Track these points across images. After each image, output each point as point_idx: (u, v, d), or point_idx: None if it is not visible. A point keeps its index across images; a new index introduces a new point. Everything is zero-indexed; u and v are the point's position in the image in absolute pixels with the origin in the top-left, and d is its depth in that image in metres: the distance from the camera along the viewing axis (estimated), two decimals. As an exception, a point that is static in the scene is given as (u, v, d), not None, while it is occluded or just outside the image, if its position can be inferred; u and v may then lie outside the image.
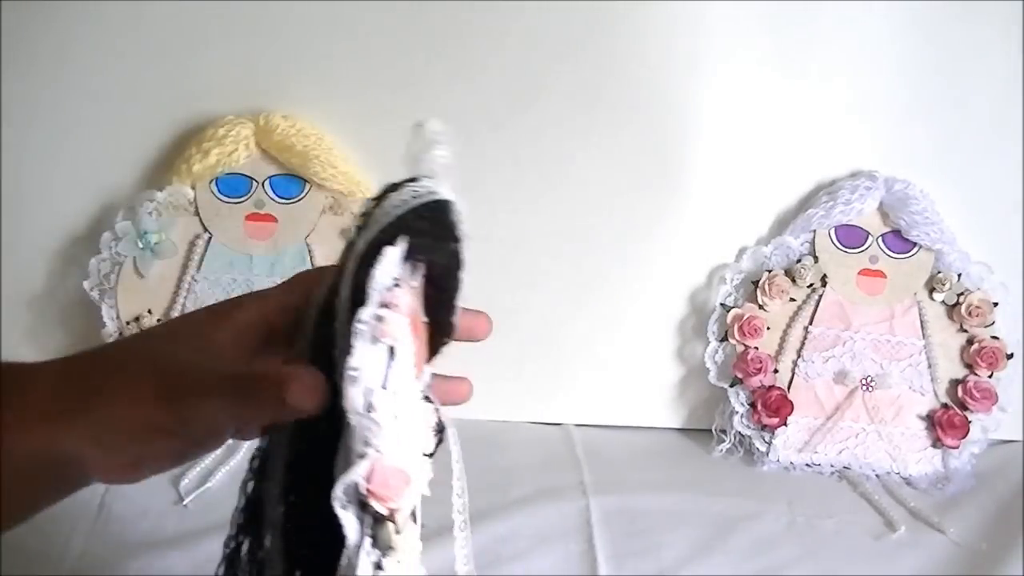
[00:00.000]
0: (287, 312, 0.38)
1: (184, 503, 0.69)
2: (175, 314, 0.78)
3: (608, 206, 0.82)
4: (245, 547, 0.39)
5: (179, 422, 0.35)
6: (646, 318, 0.85)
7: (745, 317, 0.82)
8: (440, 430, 0.38)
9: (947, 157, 0.83)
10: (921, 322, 0.83)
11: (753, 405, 0.81)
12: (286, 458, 0.35)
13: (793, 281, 0.83)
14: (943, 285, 0.82)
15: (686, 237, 0.83)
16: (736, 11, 0.78)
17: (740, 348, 0.82)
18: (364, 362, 0.30)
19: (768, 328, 0.83)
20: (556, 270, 0.83)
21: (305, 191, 0.79)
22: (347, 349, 0.30)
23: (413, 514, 0.31)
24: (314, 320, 0.35)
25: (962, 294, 0.82)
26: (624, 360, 0.86)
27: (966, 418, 0.82)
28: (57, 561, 0.61)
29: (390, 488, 0.28)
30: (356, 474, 0.28)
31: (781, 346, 0.83)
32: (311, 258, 0.80)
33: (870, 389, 0.82)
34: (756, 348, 0.82)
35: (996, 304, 0.82)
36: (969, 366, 0.83)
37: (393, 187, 0.36)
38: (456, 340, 0.39)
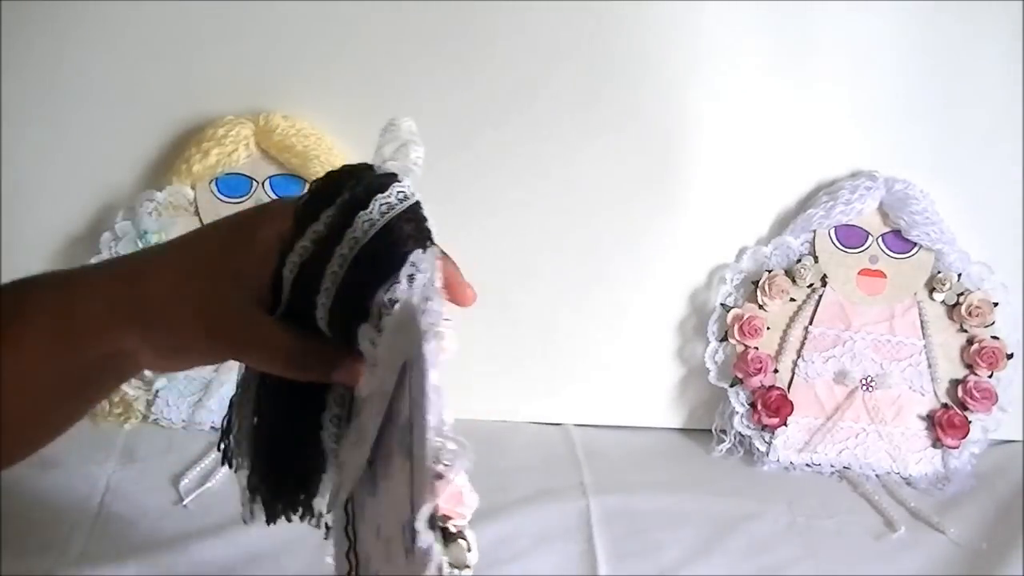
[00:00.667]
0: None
1: (184, 503, 0.69)
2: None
3: (608, 206, 0.82)
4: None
5: (222, 358, 0.43)
6: (646, 318, 0.85)
7: (745, 317, 0.82)
8: None
9: (947, 157, 0.83)
10: (921, 322, 0.83)
11: (753, 405, 0.81)
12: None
13: (793, 281, 0.83)
14: (943, 285, 0.82)
15: (686, 237, 0.83)
16: (736, 12, 0.78)
17: (740, 348, 0.82)
18: (438, 381, 0.30)
19: (768, 328, 0.83)
20: (556, 270, 0.83)
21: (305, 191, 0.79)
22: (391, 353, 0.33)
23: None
24: (290, 286, 0.38)
25: (962, 294, 0.82)
26: (624, 360, 0.86)
27: (966, 418, 0.82)
28: (57, 561, 0.61)
29: (463, 505, 0.29)
30: (435, 494, 0.28)
31: (781, 346, 0.83)
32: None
33: (870, 389, 0.82)
34: (756, 348, 0.82)
35: (996, 304, 0.82)
36: (969, 366, 0.83)
37: (360, 178, 0.38)
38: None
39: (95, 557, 0.62)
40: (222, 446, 0.45)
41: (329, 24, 0.77)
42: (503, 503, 0.71)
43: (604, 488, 0.75)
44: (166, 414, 0.78)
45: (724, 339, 0.83)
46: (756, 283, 0.82)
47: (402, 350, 0.32)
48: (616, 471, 0.79)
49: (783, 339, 0.83)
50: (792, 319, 0.83)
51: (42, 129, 0.77)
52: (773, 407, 0.81)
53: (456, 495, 0.28)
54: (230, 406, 0.45)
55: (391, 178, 0.38)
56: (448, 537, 0.28)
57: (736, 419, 0.82)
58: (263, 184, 0.79)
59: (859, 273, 0.83)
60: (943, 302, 0.83)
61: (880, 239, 0.83)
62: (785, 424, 0.81)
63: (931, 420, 0.82)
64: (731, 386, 0.82)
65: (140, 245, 0.77)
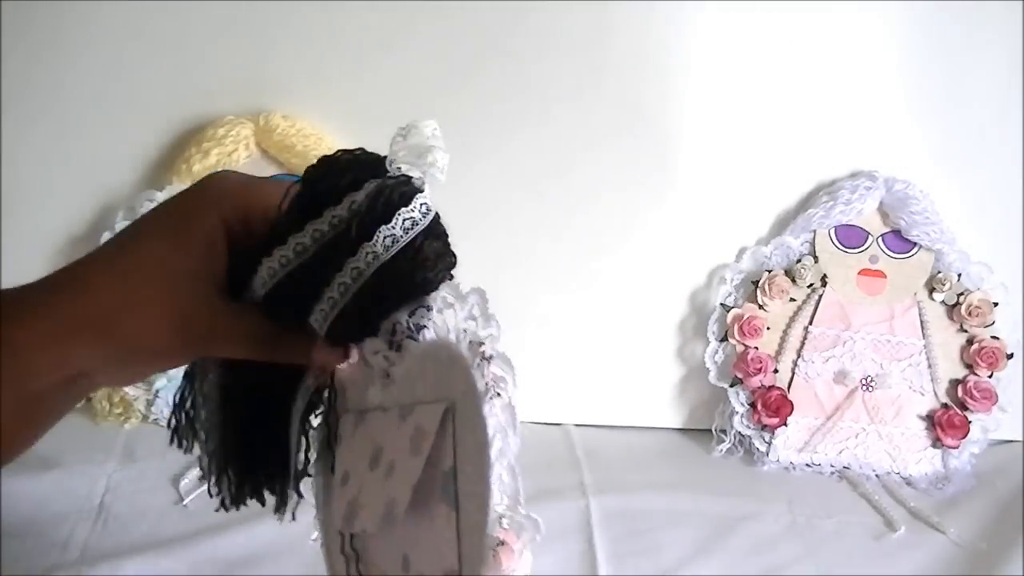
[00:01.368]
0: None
1: (184, 503, 0.69)
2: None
3: (608, 206, 0.82)
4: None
5: (191, 356, 0.40)
6: (646, 318, 0.85)
7: (745, 317, 0.82)
8: None
9: (947, 157, 0.83)
10: (921, 322, 0.83)
11: (753, 405, 0.81)
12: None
13: (793, 281, 0.83)
14: (943, 285, 0.82)
15: (686, 237, 0.83)
16: (736, 12, 0.78)
17: (740, 348, 0.82)
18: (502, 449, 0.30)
19: (768, 328, 0.83)
20: (555, 270, 0.83)
21: (305, 191, 0.79)
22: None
23: None
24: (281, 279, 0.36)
25: (962, 294, 0.82)
26: (624, 360, 0.86)
27: (966, 418, 0.82)
28: (57, 561, 0.61)
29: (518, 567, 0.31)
30: (496, 567, 0.29)
31: (781, 346, 0.83)
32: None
33: (870, 389, 0.82)
34: (756, 348, 0.82)
35: (996, 304, 0.82)
36: (969, 366, 0.83)
37: (368, 173, 0.35)
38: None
39: (95, 557, 0.62)
40: (173, 422, 0.43)
41: (329, 24, 0.77)
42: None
43: (604, 488, 0.75)
44: (166, 414, 0.78)
45: (724, 339, 0.83)
46: (756, 283, 0.82)
47: (438, 389, 0.32)
48: (616, 471, 0.79)
49: (783, 339, 0.83)
50: (792, 319, 0.83)
51: (42, 129, 0.77)
52: (773, 407, 0.81)
53: (511, 558, 0.29)
54: (183, 391, 0.43)
55: (412, 187, 0.35)
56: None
57: (736, 419, 0.82)
58: (263, 184, 0.79)
59: (859, 273, 0.83)
60: (943, 302, 0.83)
61: (880, 239, 0.83)
62: (785, 424, 0.81)
63: (931, 420, 0.82)
64: (731, 386, 0.82)
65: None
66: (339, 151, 0.37)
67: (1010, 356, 0.82)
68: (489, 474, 0.29)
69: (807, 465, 0.82)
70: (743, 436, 0.82)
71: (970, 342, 0.82)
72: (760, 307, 0.83)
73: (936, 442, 0.82)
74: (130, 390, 0.77)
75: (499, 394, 0.30)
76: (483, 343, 0.32)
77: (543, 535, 0.32)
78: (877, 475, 0.81)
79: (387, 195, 0.34)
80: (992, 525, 0.74)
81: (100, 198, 0.80)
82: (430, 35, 0.77)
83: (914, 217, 0.82)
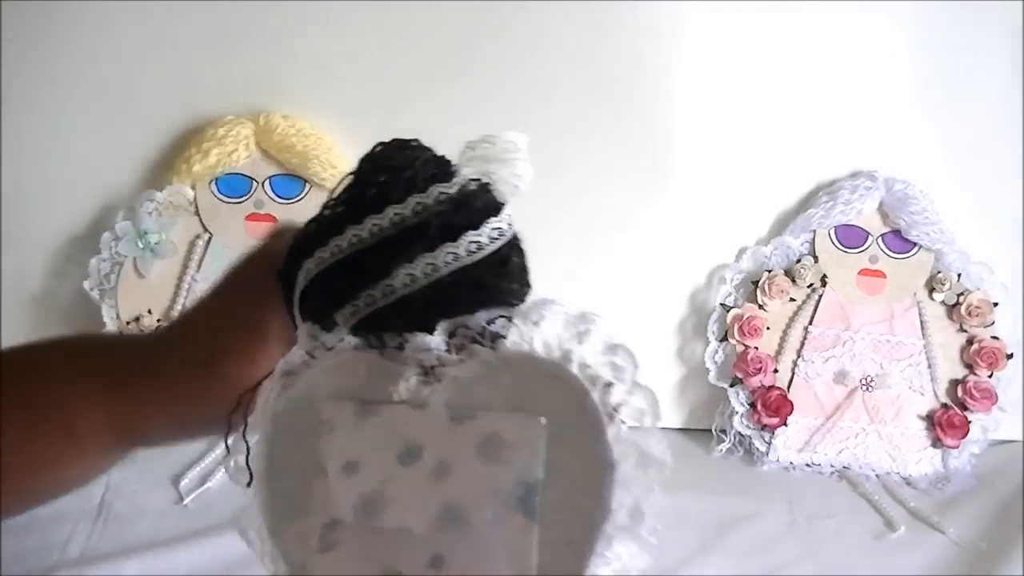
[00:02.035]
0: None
1: (184, 503, 0.69)
2: (175, 314, 0.78)
3: (608, 206, 0.82)
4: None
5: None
6: (646, 318, 0.85)
7: (745, 317, 0.82)
8: None
9: (947, 157, 0.83)
10: (921, 322, 0.83)
11: (753, 405, 0.81)
12: None
13: (793, 281, 0.83)
14: (943, 285, 0.82)
15: (686, 237, 0.83)
16: (736, 12, 0.78)
17: (740, 348, 0.82)
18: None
19: (768, 328, 0.83)
20: (555, 270, 0.83)
21: (305, 191, 0.79)
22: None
23: None
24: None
25: (962, 294, 0.82)
26: (624, 360, 0.85)
27: (966, 418, 0.82)
28: (57, 561, 0.61)
29: None
30: None
31: (781, 346, 0.83)
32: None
33: (870, 389, 0.82)
34: (756, 348, 0.82)
35: (996, 304, 0.82)
36: (969, 366, 0.83)
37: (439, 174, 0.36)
38: None
39: (95, 557, 0.62)
40: None
41: (329, 24, 0.77)
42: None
43: (604, 488, 0.75)
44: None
45: (724, 339, 0.83)
46: (756, 283, 0.82)
47: (519, 400, 0.32)
48: (616, 471, 0.79)
49: (783, 339, 0.83)
50: (792, 319, 0.83)
51: (42, 129, 0.77)
52: (773, 407, 0.81)
53: None
54: None
55: (493, 197, 0.36)
56: None
57: (736, 419, 0.82)
58: (263, 184, 0.79)
59: (859, 273, 0.83)
60: (943, 302, 0.83)
61: (880, 239, 0.83)
62: (785, 424, 0.81)
63: (931, 420, 0.82)
64: (731, 386, 0.82)
65: (140, 245, 0.77)
66: (395, 141, 0.37)
67: (1010, 356, 0.82)
68: (607, 496, 0.30)
69: (807, 465, 0.82)
70: (743, 436, 0.82)
71: (970, 342, 0.82)
72: (760, 307, 0.83)
73: (936, 442, 0.82)
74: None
75: (624, 422, 0.32)
76: (600, 371, 0.34)
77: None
78: (877, 475, 0.81)
79: (472, 202, 0.36)
80: (992, 525, 0.74)
81: (100, 198, 0.80)
82: (429, 35, 0.77)
83: (914, 217, 0.82)
